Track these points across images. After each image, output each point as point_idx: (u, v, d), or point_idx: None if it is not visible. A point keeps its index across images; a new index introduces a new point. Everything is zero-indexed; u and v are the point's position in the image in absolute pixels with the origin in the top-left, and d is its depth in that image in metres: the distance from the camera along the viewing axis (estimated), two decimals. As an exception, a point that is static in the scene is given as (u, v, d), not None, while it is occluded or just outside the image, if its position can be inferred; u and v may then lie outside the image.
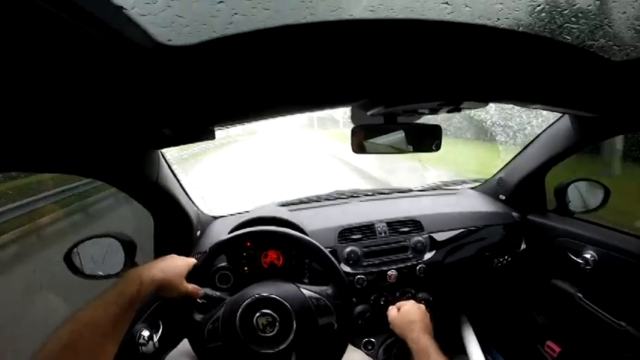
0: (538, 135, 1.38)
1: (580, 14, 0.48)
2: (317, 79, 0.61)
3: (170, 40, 0.39)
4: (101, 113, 0.61)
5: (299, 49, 0.49)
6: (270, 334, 0.87)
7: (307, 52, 0.50)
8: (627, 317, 1.11)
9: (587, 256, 1.21)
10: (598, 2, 0.48)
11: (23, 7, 0.30)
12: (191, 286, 0.90)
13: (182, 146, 0.86)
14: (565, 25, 0.49)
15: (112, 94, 0.53)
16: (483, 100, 0.76)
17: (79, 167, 0.82)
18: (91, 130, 0.68)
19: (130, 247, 1.03)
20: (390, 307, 1.11)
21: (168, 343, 1.09)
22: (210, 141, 0.82)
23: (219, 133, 0.84)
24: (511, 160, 1.57)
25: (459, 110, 0.78)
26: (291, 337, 0.87)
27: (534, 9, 0.47)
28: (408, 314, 1.03)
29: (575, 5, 0.48)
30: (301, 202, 1.65)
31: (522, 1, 0.46)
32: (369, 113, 0.76)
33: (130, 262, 1.03)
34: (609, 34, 0.51)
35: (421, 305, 1.08)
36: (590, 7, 0.48)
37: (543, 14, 0.47)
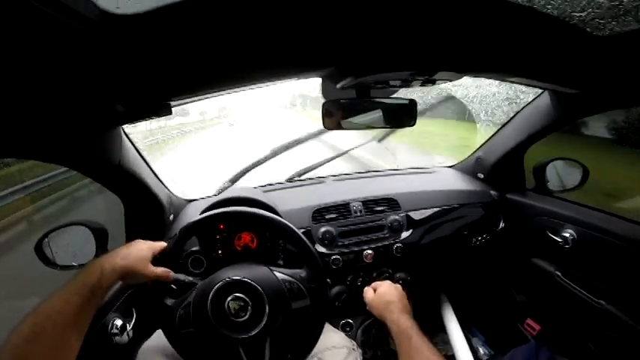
0: (517, 112, 1.37)
1: None
2: (277, 44, 0.57)
3: (118, 8, 0.36)
4: (51, 91, 0.57)
5: (257, 11, 0.45)
6: (242, 319, 0.84)
7: (266, 14, 0.46)
8: (606, 296, 1.12)
9: (566, 234, 1.21)
10: None
11: None
12: (160, 270, 0.86)
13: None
14: None
15: (59, 69, 0.50)
16: (458, 70, 0.73)
17: (34, 151, 0.77)
18: (43, 110, 0.64)
19: (101, 235, 1.00)
20: (366, 289, 1.09)
21: (143, 332, 1.05)
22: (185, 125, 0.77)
23: (195, 117, 0.79)
24: (489, 138, 1.56)
25: (432, 82, 0.76)
26: (264, 321, 0.84)
27: None
28: (384, 295, 1.02)
29: None
30: (275, 182, 1.62)
31: None
32: (338, 85, 0.73)
33: (102, 250, 1.00)
34: (593, 8, 0.49)
35: (398, 285, 1.07)
36: None
37: None
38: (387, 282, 1.09)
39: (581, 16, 0.50)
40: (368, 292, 1.08)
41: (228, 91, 0.77)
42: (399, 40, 0.59)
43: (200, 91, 0.74)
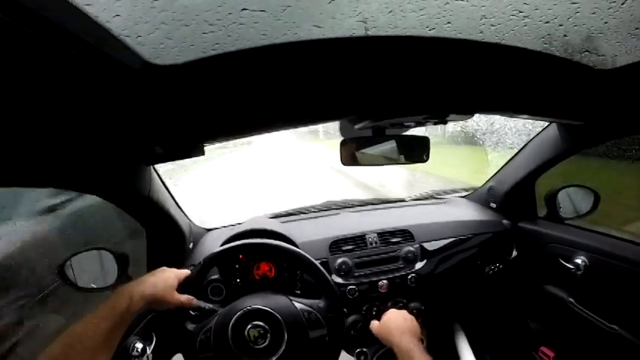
0: (527, 143, 1.40)
1: (562, 27, 0.50)
2: (303, 97, 0.62)
3: (159, 60, 0.40)
4: (94, 131, 0.62)
5: (284, 67, 0.50)
6: (261, 346, 0.87)
7: (292, 71, 0.51)
8: (620, 321, 1.12)
9: (578, 261, 1.22)
10: (579, 15, 0.49)
11: (15, 37, 0.31)
12: (184, 297, 0.90)
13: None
14: (550, 39, 0.50)
15: (104, 112, 0.54)
16: (468, 112, 0.78)
17: (73, 182, 0.82)
18: (85, 146, 0.69)
19: (122, 260, 1.04)
20: (373, 321, 1.10)
21: (162, 355, 1.08)
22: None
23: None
24: (501, 168, 1.58)
25: (445, 122, 0.80)
26: (282, 348, 0.87)
27: (518, 23, 0.48)
28: (388, 321, 1.03)
29: (556, 18, 0.49)
30: (292, 213, 1.66)
31: (505, 16, 0.47)
32: (356, 127, 0.78)
33: (123, 274, 1.03)
34: (594, 45, 0.53)
35: (402, 311, 1.08)
36: (571, 20, 0.49)
37: (526, 28, 0.48)
38: (392, 309, 1.11)
39: (585, 55, 0.54)
40: (374, 323, 1.08)
41: (257, 134, 0.82)
42: (412, 90, 0.64)
43: (233, 135, 0.79)
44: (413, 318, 1.03)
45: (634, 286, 1.07)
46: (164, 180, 1.15)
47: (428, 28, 0.45)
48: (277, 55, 0.45)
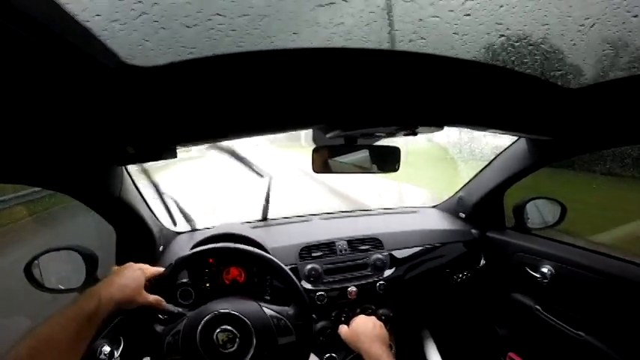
0: (496, 156, 1.44)
1: (532, 47, 0.52)
2: (276, 105, 0.62)
3: (137, 61, 0.41)
4: (67, 129, 0.61)
5: (257, 75, 0.51)
6: (229, 350, 0.87)
7: (265, 78, 0.52)
8: (585, 327, 1.16)
9: (545, 270, 1.25)
10: (549, 35, 0.51)
11: None
12: (153, 297, 0.88)
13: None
14: (520, 57, 0.52)
15: (78, 111, 0.54)
16: (438, 124, 0.80)
17: (44, 180, 0.81)
18: (55, 144, 0.68)
19: (91, 261, 1.01)
20: (341, 326, 1.10)
21: (131, 359, 1.06)
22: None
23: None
24: (471, 179, 1.62)
25: (415, 134, 0.82)
26: (250, 354, 0.87)
27: (490, 41, 0.49)
28: (357, 327, 1.03)
29: (526, 39, 0.51)
30: (263, 219, 1.66)
31: (477, 34, 0.48)
32: (328, 136, 0.79)
33: (92, 275, 1.01)
34: (562, 64, 0.55)
35: (371, 317, 1.08)
36: (541, 40, 0.51)
37: (497, 46, 0.50)
38: (361, 315, 1.11)
39: (554, 73, 0.57)
40: (342, 328, 1.08)
41: (230, 139, 0.82)
42: (383, 101, 0.65)
43: (205, 139, 0.79)
44: (382, 324, 1.04)
45: (598, 293, 1.11)
46: (136, 181, 1.14)
47: (402, 43, 0.46)
48: (251, 63, 0.46)
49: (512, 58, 0.52)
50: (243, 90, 0.55)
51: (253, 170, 1.62)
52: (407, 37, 0.46)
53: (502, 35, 0.49)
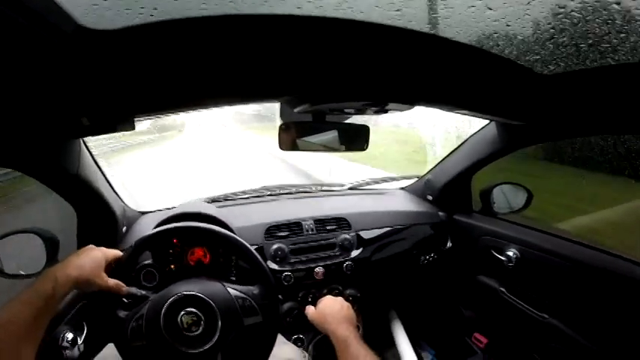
0: (466, 139, 1.46)
1: (509, 28, 0.50)
2: (238, 73, 0.60)
3: (92, 24, 0.38)
4: (17, 100, 0.57)
5: (221, 41, 0.48)
6: (195, 334, 0.85)
7: (229, 45, 0.50)
8: (549, 310, 1.20)
9: (510, 253, 1.29)
10: (527, 17, 0.50)
11: None
12: (113, 282, 0.85)
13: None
14: (495, 38, 0.51)
15: (28, 78, 0.50)
16: (408, 102, 0.79)
17: None
18: (7, 117, 0.64)
19: (52, 244, 0.98)
20: (308, 307, 1.11)
21: (94, 346, 1.03)
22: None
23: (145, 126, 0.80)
24: (439, 162, 1.64)
25: (385, 111, 0.80)
26: (216, 336, 0.85)
27: (466, 19, 0.48)
28: (324, 308, 1.04)
29: (504, 18, 0.49)
30: (228, 198, 1.63)
31: (454, 10, 0.47)
32: (296, 110, 0.77)
33: (52, 259, 0.98)
34: (536, 50, 0.54)
35: (338, 298, 1.09)
36: (519, 22, 0.50)
37: (473, 24, 0.49)
38: (328, 296, 1.11)
39: (528, 58, 0.56)
40: (309, 309, 1.09)
41: (191, 110, 0.78)
42: (352, 74, 0.64)
43: (164, 110, 0.75)
44: (349, 305, 1.05)
45: (561, 277, 1.15)
46: (96, 159, 1.08)
47: (375, 15, 0.44)
48: (216, 28, 0.44)
49: (488, 39, 0.51)
50: (206, 56, 0.52)
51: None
52: (383, 9, 0.44)
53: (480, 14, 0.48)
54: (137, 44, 0.45)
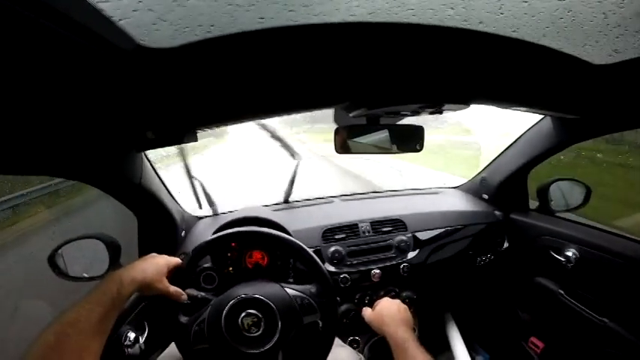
0: (520, 135, 1.40)
1: (563, 21, 0.49)
2: (299, 83, 0.61)
3: (152, 43, 0.39)
4: (83, 116, 0.60)
5: (280, 52, 0.49)
6: (255, 334, 0.87)
7: (290, 56, 0.50)
8: (609, 313, 1.14)
9: (569, 254, 1.23)
10: (581, 7, 0.48)
11: (4, 16, 0.30)
12: (173, 289, 0.89)
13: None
14: (550, 31, 0.49)
15: (94, 97, 0.53)
16: (464, 102, 0.77)
17: (62, 169, 0.81)
18: (73, 132, 0.68)
19: (114, 249, 1.02)
20: (364, 308, 1.10)
21: (155, 345, 1.08)
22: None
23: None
24: (494, 159, 1.59)
25: (440, 112, 0.79)
26: (276, 336, 0.87)
27: (519, 14, 0.47)
28: (381, 310, 1.03)
29: (557, 11, 0.48)
30: (285, 202, 1.66)
31: (506, 6, 0.46)
32: (351, 115, 0.77)
33: (114, 263, 1.02)
34: (593, 39, 0.52)
35: (396, 300, 1.07)
36: (571, 14, 0.49)
37: (526, 19, 0.48)
38: (385, 298, 1.11)
39: (583, 48, 0.54)
40: (366, 311, 1.08)
41: (252, 120, 0.81)
42: (409, 77, 0.63)
43: (226, 121, 0.78)
44: (406, 307, 1.04)
45: (623, 279, 1.09)
46: (155, 167, 1.14)
47: (429, 16, 0.44)
48: (274, 40, 0.44)
49: (542, 32, 0.50)
50: (265, 68, 0.53)
51: (288, 150, 1.60)
52: (435, 10, 0.44)
53: (532, 8, 0.47)
54: (197, 60, 0.46)
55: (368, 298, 1.34)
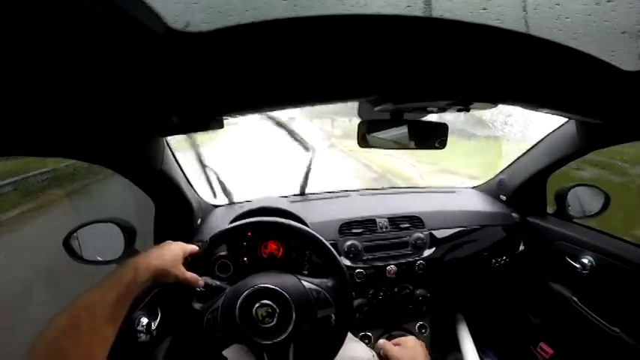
0: (542, 138, 1.39)
1: (596, 25, 0.48)
2: (330, 73, 0.60)
3: (185, 27, 0.39)
4: (109, 98, 0.61)
5: (314, 41, 0.48)
6: (269, 325, 0.87)
7: (322, 45, 0.50)
8: (621, 323, 1.13)
9: (585, 261, 1.22)
10: (613, 13, 0.47)
11: None
12: (190, 275, 0.90)
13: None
14: (582, 35, 0.48)
15: (122, 79, 0.53)
16: (492, 101, 0.76)
17: (83, 152, 0.82)
18: (98, 115, 0.68)
19: (129, 233, 1.03)
20: (383, 342, 1.00)
21: (167, 331, 1.09)
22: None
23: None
24: (513, 161, 1.58)
25: (467, 110, 0.78)
26: (290, 328, 0.87)
27: (552, 16, 0.46)
28: (412, 349, 0.95)
29: (590, 15, 0.47)
30: (301, 194, 1.66)
31: (540, 8, 0.45)
32: (376, 109, 0.76)
33: (130, 248, 1.03)
34: (623, 45, 0.51)
35: (422, 342, 0.99)
36: (605, 18, 0.48)
37: (559, 22, 0.47)
38: (412, 337, 1.01)
39: (613, 53, 0.53)
40: (387, 345, 0.97)
41: (279, 109, 0.81)
42: (439, 74, 0.62)
43: (253, 109, 0.78)
44: (423, 345, 0.98)
45: (638, 289, 1.07)
46: (175, 154, 1.14)
47: (463, 13, 0.43)
48: (307, 29, 0.44)
49: (574, 36, 0.49)
50: (296, 57, 0.53)
51: (300, 143, 1.61)
52: (473, 7, 0.43)
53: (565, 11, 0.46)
54: (227, 46, 0.45)
55: (382, 294, 1.34)
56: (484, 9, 0.43)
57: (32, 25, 0.36)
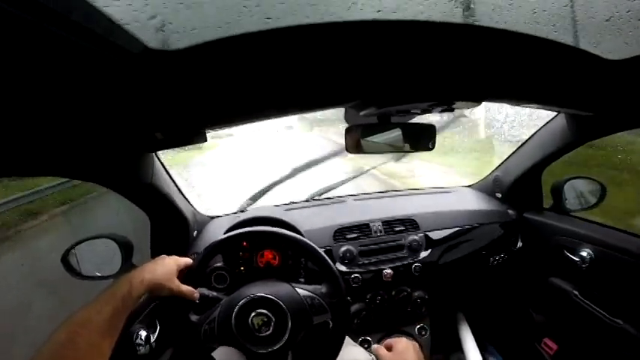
0: (534, 133, 1.39)
1: (573, 16, 0.48)
2: (308, 82, 0.60)
3: (162, 45, 0.39)
4: (93, 118, 0.61)
5: (288, 52, 0.48)
6: (265, 334, 0.87)
7: (297, 55, 0.50)
8: (624, 315, 1.12)
9: (584, 254, 1.21)
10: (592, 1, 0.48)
11: (12, 23, 0.30)
12: (185, 287, 0.91)
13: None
14: (561, 27, 0.49)
15: (104, 99, 0.53)
16: (475, 99, 0.76)
17: (76, 171, 0.83)
18: (84, 134, 0.68)
19: (126, 248, 1.04)
20: (376, 346, 0.97)
21: (166, 343, 1.09)
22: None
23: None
24: (507, 158, 1.58)
25: (451, 110, 0.79)
26: (286, 336, 0.87)
27: (529, 9, 0.46)
28: (404, 353, 0.94)
29: (567, 6, 0.47)
30: (296, 202, 1.66)
31: (515, 3, 0.45)
32: (361, 113, 0.77)
33: (127, 263, 1.04)
34: (605, 34, 0.51)
35: (415, 344, 0.98)
36: (584, 8, 0.48)
37: (537, 14, 0.47)
38: (404, 339, 0.98)
39: (594, 43, 0.53)
40: (380, 350, 0.95)
41: (262, 120, 0.81)
42: (419, 76, 0.63)
43: (236, 121, 0.79)
44: (418, 348, 0.96)
45: (639, 280, 1.06)
46: (167, 167, 1.15)
47: (437, 13, 0.44)
48: (282, 40, 0.44)
49: (553, 28, 0.49)
50: (273, 68, 0.53)
51: None
52: (446, 7, 0.43)
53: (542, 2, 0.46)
54: (204, 61, 0.45)
55: (379, 298, 1.34)
56: (460, 6, 0.44)
57: (7, 54, 0.37)
